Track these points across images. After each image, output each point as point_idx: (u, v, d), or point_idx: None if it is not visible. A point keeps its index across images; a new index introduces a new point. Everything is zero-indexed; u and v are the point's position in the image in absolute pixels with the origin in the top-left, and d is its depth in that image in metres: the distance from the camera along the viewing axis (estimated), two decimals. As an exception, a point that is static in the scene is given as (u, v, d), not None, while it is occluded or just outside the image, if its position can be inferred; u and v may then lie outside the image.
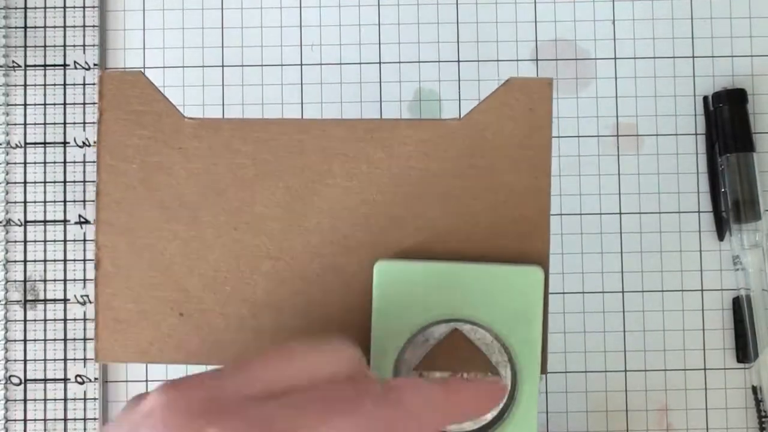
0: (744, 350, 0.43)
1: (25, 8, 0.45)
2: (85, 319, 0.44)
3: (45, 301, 0.44)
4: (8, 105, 0.45)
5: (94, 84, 0.44)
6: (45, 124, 0.44)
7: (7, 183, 0.44)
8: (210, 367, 0.27)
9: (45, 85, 0.45)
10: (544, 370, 0.28)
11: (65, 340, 0.44)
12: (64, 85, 0.45)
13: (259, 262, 0.29)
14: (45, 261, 0.44)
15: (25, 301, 0.44)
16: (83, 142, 0.44)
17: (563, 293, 0.44)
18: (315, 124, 0.29)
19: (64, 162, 0.44)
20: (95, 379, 0.43)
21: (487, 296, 0.28)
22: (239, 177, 0.29)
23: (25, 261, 0.44)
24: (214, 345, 0.29)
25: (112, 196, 0.29)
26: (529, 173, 0.29)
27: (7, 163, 0.44)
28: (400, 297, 0.28)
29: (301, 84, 0.45)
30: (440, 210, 0.29)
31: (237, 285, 0.29)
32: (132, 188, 0.29)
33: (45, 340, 0.44)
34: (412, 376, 0.28)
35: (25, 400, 0.43)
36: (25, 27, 0.45)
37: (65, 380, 0.43)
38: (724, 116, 0.43)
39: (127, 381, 0.44)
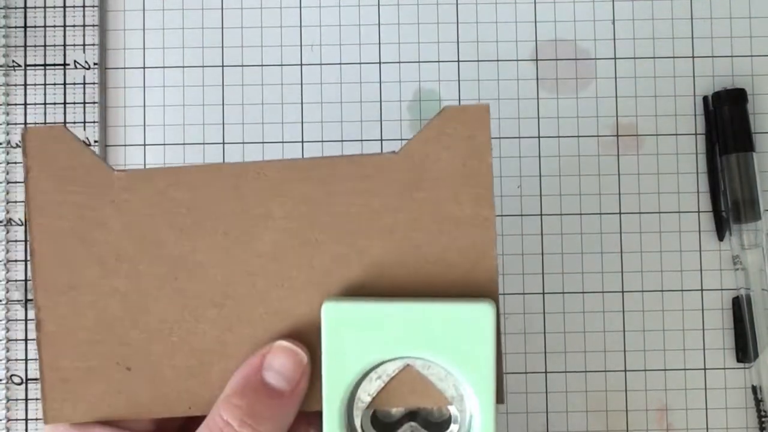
0: (744, 350, 0.43)
1: (25, 8, 0.45)
2: (85, 319, 0.44)
3: (45, 300, 0.44)
4: (8, 105, 0.45)
5: (94, 83, 0.44)
6: (45, 124, 0.44)
7: (8, 183, 0.44)
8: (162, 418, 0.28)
9: (45, 84, 0.45)
10: (500, 399, 0.28)
11: (66, 339, 0.44)
12: (64, 84, 0.45)
13: (203, 310, 0.28)
14: (45, 261, 0.44)
15: (26, 300, 0.44)
16: (83, 143, 0.44)
17: (563, 293, 0.44)
18: (250, 166, 0.28)
19: (65, 162, 0.44)
20: (96, 378, 0.43)
21: (438, 333, 0.27)
22: (176, 226, 0.28)
23: (25, 261, 0.44)
24: (164, 396, 0.28)
25: (48, 256, 0.28)
26: (472, 202, 0.28)
27: (8, 163, 0.44)
28: (350, 336, 0.27)
29: (301, 84, 0.45)
30: (384, 245, 0.28)
31: (183, 335, 0.28)
32: (67, 246, 0.28)
33: (45, 339, 0.44)
34: (366, 414, 0.28)
35: (26, 400, 0.43)
36: (25, 27, 0.45)
37: (66, 380, 0.44)
38: (724, 116, 0.43)
39: (127, 381, 0.44)
